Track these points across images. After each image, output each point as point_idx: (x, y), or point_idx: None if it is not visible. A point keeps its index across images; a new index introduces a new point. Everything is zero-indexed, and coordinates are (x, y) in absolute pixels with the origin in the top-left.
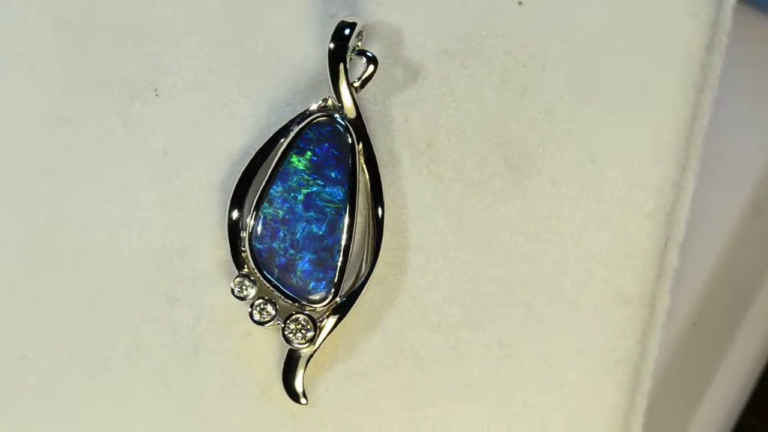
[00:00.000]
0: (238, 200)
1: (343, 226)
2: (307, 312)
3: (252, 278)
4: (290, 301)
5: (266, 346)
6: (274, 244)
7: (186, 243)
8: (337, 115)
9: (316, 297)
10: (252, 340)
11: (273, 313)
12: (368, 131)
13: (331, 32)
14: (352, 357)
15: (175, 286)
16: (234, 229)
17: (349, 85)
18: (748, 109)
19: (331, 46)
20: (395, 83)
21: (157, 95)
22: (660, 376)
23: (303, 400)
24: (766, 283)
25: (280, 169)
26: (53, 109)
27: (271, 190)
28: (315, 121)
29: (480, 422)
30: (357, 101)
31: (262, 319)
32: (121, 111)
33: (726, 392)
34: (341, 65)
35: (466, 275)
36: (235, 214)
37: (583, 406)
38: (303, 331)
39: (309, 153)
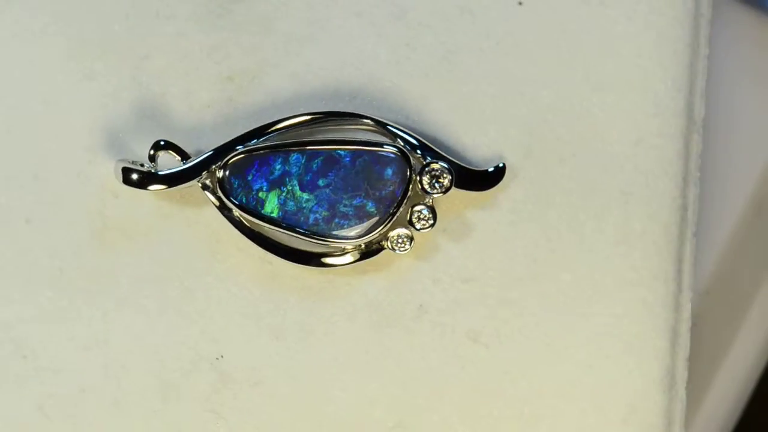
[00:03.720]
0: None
1: (322, 159)
2: (427, 171)
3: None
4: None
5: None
6: (343, 209)
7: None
8: (214, 171)
9: (400, 172)
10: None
11: (429, 215)
12: (232, 133)
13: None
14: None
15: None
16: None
17: (184, 172)
18: (749, 108)
19: (134, 178)
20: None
21: None
22: None
23: None
24: (766, 283)
25: (279, 220)
26: None
27: (304, 224)
28: (222, 190)
29: None
30: (198, 156)
31: (424, 225)
32: None
33: (726, 392)
34: (155, 182)
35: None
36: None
37: None
38: (439, 178)
39: (253, 188)
